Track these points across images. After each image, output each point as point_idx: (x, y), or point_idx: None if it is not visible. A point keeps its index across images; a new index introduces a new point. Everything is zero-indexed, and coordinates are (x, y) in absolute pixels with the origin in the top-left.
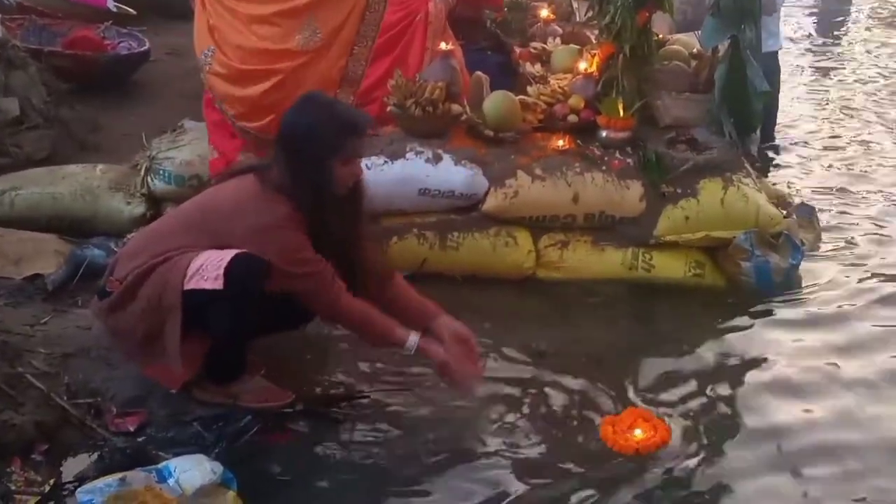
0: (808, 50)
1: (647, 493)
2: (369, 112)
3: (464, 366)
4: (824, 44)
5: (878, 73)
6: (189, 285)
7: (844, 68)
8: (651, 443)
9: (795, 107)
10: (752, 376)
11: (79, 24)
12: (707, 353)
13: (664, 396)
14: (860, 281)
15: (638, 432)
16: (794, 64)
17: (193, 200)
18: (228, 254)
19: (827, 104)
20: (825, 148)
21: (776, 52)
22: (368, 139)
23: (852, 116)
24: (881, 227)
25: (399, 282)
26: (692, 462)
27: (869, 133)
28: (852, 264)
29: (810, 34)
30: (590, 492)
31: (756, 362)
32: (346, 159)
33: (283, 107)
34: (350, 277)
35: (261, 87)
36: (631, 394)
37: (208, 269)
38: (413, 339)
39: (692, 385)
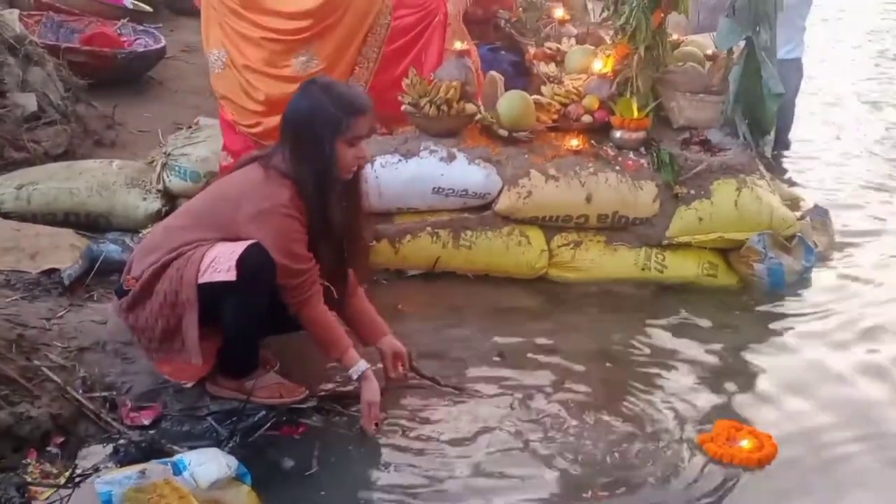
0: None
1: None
2: (386, 113)
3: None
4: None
5: None
6: (203, 279)
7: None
8: (768, 453)
9: (813, 110)
10: (768, 378)
11: (96, 20)
12: (721, 355)
13: (681, 395)
14: (874, 284)
15: (745, 443)
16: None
17: (202, 193)
18: (240, 246)
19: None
20: (842, 152)
21: (799, 59)
22: (370, 119)
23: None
24: (895, 232)
25: (362, 294)
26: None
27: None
28: (864, 268)
29: None
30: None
31: (749, 358)
32: (349, 139)
33: (275, 121)
34: (334, 273)
35: (253, 103)
36: (647, 393)
37: (221, 261)
38: (358, 368)
39: (706, 386)
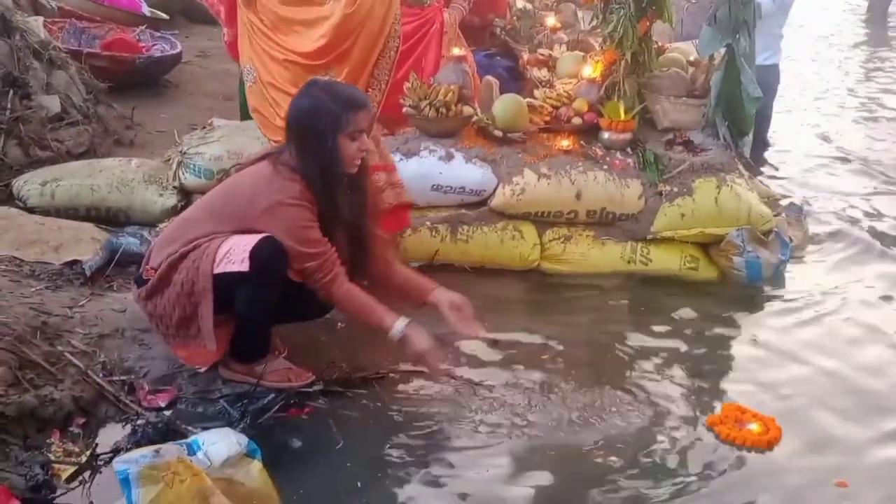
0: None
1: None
2: (388, 114)
3: (465, 328)
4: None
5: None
6: (218, 269)
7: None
8: (775, 435)
9: (791, 113)
10: (754, 363)
11: (116, 27)
12: (707, 342)
13: (678, 379)
14: (843, 273)
15: (754, 426)
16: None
17: (216, 189)
18: (253, 238)
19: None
20: (816, 153)
21: (776, 65)
22: (368, 114)
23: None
24: (864, 227)
25: (399, 266)
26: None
27: (860, 136)
28: (837, 261)
29: None
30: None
31: (733, 346)
32: (350, 133)
33: None
34: (354, 260)
35: (279, 119)
36: (646, 378)
37: (235, 252)
38: (398, 327)
39: (700, 371)
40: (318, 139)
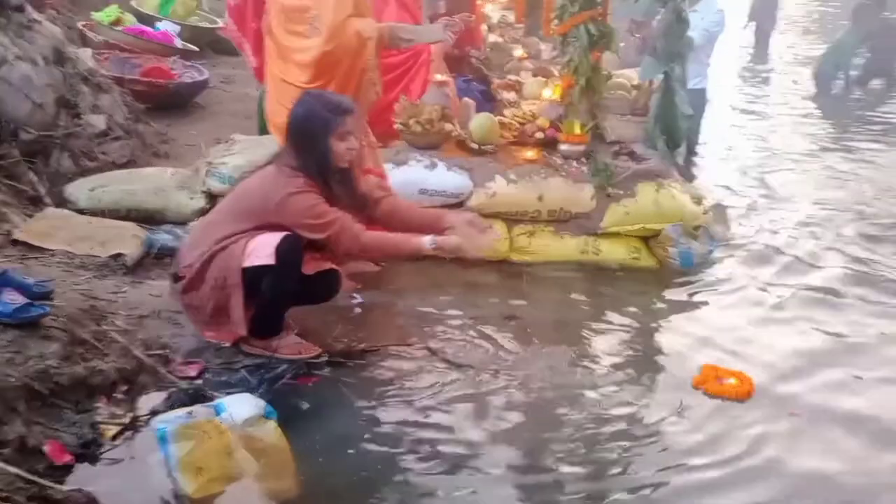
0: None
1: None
2: (381, 130)
3: (477, 240)
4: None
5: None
6: (246, 264)
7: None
8: (751, 387)
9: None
10: (674, 332)
11: (153, 57)
12: (652, 317)
13: (614, 349)
14: (756, 261)
15: (732, 381)
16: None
17: (230, 195)
18: (275, 237)
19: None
20: (738, 162)
21: (704, 89)
22: (355, 118)
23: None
24: (773, 222)
25: (401, 204)
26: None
27: (775, 148)
28: (752, 250)
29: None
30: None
31: (677, 321)
32: (340, 134)
33: None
34: (355, 211)
35: (279, 118)
36: (602, 349)
37: (261, 248)
38: (428, 240)
39: (631, 340)
40: (313, 141)
